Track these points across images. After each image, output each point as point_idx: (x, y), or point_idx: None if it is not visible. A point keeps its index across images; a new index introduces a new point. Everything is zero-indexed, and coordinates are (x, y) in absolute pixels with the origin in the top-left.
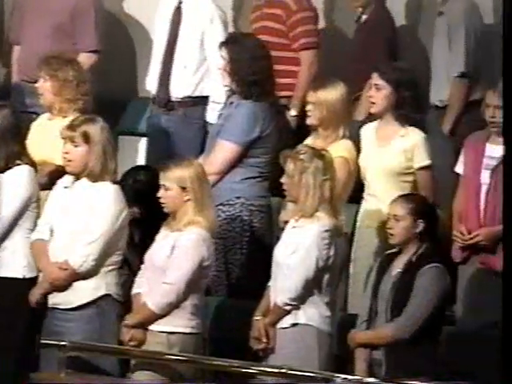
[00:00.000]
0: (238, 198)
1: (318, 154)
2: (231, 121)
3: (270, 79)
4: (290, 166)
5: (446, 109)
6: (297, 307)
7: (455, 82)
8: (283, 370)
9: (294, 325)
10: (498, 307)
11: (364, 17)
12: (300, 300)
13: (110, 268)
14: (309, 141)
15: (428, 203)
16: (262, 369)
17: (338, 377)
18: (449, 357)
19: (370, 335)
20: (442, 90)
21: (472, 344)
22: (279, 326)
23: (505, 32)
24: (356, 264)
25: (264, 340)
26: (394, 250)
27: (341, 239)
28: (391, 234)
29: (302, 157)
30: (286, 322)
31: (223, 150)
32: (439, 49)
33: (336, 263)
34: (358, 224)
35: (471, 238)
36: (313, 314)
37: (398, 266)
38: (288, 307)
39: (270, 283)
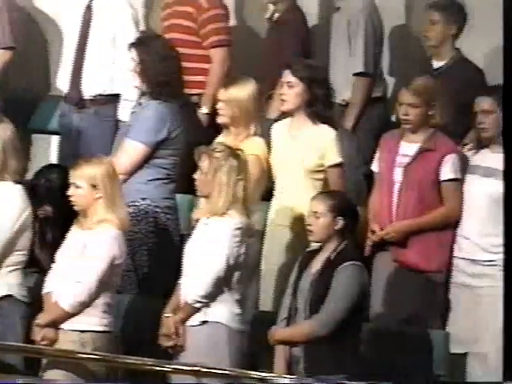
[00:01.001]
0: (144, 199)
1: (234, 153)
2: (139, 121)
3: (179, 80)
4: (204, 163)
5: (348, 106)
6: (207, 305)
7: (356, 80)
8: (197, 368)
9: (204, 322)
10: (412, 303)
11: (276, 15)
12: (210, 297)
13: (12, 268)
14: (220, 138)
15: (348, 200)
16: (176, 367)
17: (253, 375)
18: (366, 353)
19: (289, 332)
20: (343, 88)
21: (387, 340)
22: (189, 323)
23: (505, 31)
24: (267, 261)
25: (174, 337)
26: (314, 248)
27: (253, 237)
28: (310, 231)
29: (217, 155)
30: (196, 319)
31: (130, 150)
32: (338, 45)
33: (247, 261)
34: (268, 221)
35: (383, 234)
36: (223, 311)
37: (317, 264)
38: (198, 304)
39: (180, 281)
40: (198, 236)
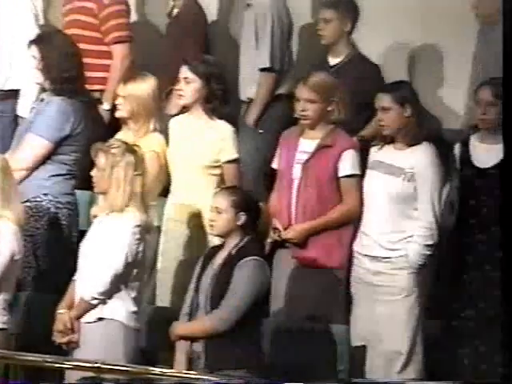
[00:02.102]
0: (46, 194)
1: (130, 148)
2: (42, 117)
3: (80, 76)
4: (101, 160)
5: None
6: (103, 301)
7: (261, 76)
8: (97, 365)
9: (100, 319)
10: (313, 299)
11: (175, 10)
12: (107, 294)
13: None
14: (120, 134)
15: (250, 196)
16: (76, 363)
17: (154, 371)
18: (268, 349)
19: (190, 327)
20: (251, 84)
21: (289, 336)
22: (85, 320)
23: (505, 31)
24: (164, 257)
25: (68, 333)
26: (217, 244)
27: (151, 234)
28: (212, 226)
29: (113, 151)
30: (92, 316)
31: (33, 146)
32: (246, 42)
33: (144, 258)
34: (165, 217)
35: (283, 234)
36: (119, 308)
37: (219, 259)
38: (95, 301)
39: (75, 277)
40: (95, 233)
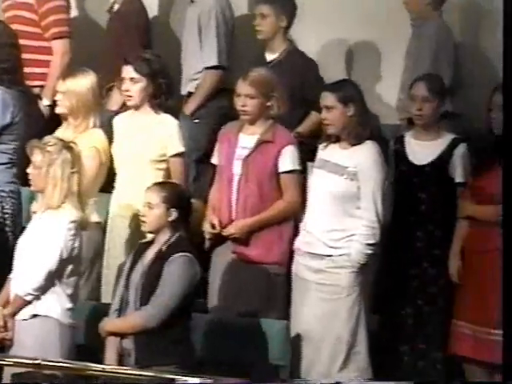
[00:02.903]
0: None
1: (67, 146)
2: None
3: (19, 67)
4: (37, 157)
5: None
6: (38, 298)
7: (207, 73)
8: (37, 361)
9: (34, 316)
10: (251, 294)
11: (116, 6)
12: (41, 291)
13: None
14: (60, 130)
15: (182, 192)
16: (16, 360)
17: (94, 367)
18: (205, 345)
19: (120, 324)
20: (193, 80)
21: (226, 331)
22: (19, 317)
23: (505, 31)
24: (109, 254)
25: (2, 331)
26: (147, 239)
27: (91, 230)
28: (144, 222)
29: (49, 148)
30: (26, 313)
31: None
32: (189, 39)
33: (80, 255)
34: (110, 214)
35: (224, 233)
36: (53, 305)
37: (149, 255)
38: (29, 297)
39: (11, 275)
40: (32, 229)
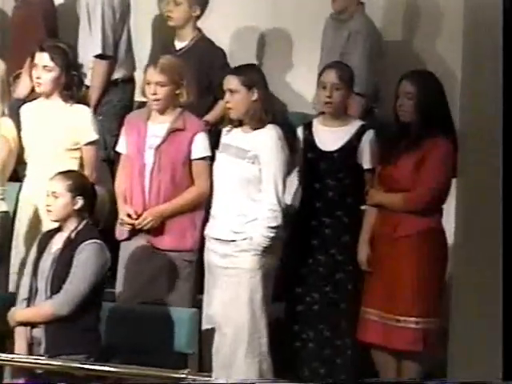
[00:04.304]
0: None
1: None
2: None
3: None
4: None
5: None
6: None
7: (95, 63)
8: None
9: None
10: (161, 281)
11: None
12: None
13: None
14: None
15: (86, 180)
16: None
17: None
18: (110, 334)
19: (29, 313)
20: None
21: (133, 320)
22: None
23: (505, 30)
24: (18, 242)
25: None
26: (53, 228)
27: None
28: (49, 211)
29: None
30: None
31: None
32: (82, 27)
33: None
34: (20, 202)
35: (139, 220)
36: None
37: (57, 244)
38: None
39: None
40: None
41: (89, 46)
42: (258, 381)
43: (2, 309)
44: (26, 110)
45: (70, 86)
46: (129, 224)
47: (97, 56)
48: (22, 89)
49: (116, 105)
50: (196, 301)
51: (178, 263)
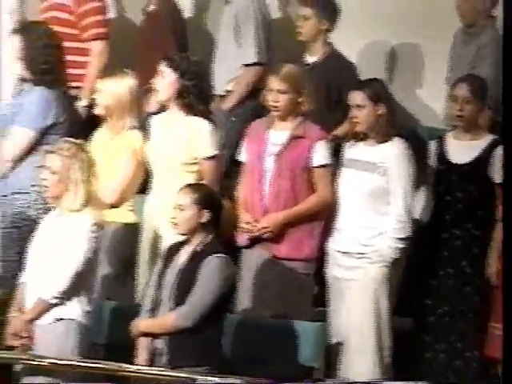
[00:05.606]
0: (34, 186)
1: (81, 148)
2: (25, 107)
3: (62, 68)
4: (54, 163)
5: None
6: (62, 301)
7: (244, 70)
8: (70, 362)
9: (58, 319)
10: (283, 294)
11: (151, 7)
12: (67, 294)
13: None
14: (98, 131)
15: (213, 193)
16: (51, 361)
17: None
18: (234, 346)
19: (153, 324)
20: (228, 80)
21: (256, 332)
22: (42, 321)
23: (505, 30)
24: (144, 254)
25: (24, 336)
26: (179, 240)
27: (127, 231)
28: (175, 224)
29: (66, 153)
30: (50, 316)
31: (17, 136)
32: (225, 38)
33: (96, 258)
34: (145, 214)
35: (257, 227)
36: (76, 307)
37: (183, 256)
38: (54, 301)
39: (23, 279)
40: (48, 233)
41: (235, 57)
42: None
43: (127, 319)
44: (153, 122)
45: (186, 95)
46: (248, 231)
47: (248, 64)
48: (152, 102)
49: (250, 110)
50: (315, 314)
51: (296, 275)
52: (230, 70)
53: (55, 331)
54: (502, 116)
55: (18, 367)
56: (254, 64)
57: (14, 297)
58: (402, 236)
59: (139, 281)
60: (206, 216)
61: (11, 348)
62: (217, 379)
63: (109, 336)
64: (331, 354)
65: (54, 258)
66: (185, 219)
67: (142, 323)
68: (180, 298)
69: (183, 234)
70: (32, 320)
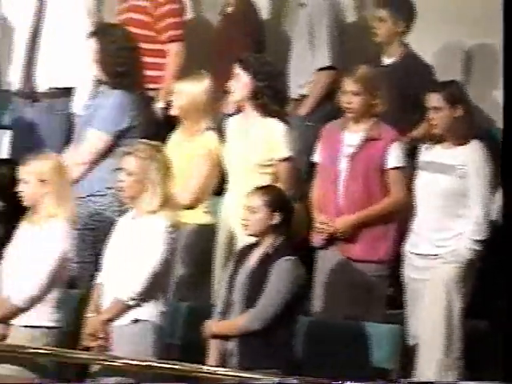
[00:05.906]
0: (109, 188)
1: (157, 149)
2: (100, 110)
3: (138, 70)
4: (130, 164)
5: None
6: (139, 302)
7: (319, 74)
8: (147, 363)
9: (135, 321)
10: (357, 296)
11: (229, 8)
12: (144, 294)
13: None
14: (175, 132)
15: (284, 195)
16: (126, 361)
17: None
18: (307, 348)
19: (224, 326)
20: (303, 83)
21: (330, 335)
22: (118, 322)
23: (505, 29)
24: (219, 256)
25: (101, 337)
26: (250, 242)
27: (203, 232)
28: (246, 225)
29: (142, 154)
30: (127, 318)
31: (92, 139)
32: (299, 41)
33: (173, 259)
34: (222, 216)
35: (330, 226)
36: (152, 308)
37: (254, 258)
38: (132, 302)
39: (100, 280)
40: (124, 235)
41: (309, 60)
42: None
43: (200, 320)
44: (229, 124)
45: (260, 96)
46: (322, 232)
47: (322, 68)
48: (229, 104)
49: (326, 114)
50: (387, 316)
51: (369, 277)
52: (304, 74)
53: (131, 332)
54: (503, 117)
55: (94, 368)
56: (328, 68)
57: (90, 297)
58: (480, 238)
59: (214, 282)
60: (276, 218)
61: (87, 349)
62: (292, 380)
63: (183, 337)
64: (407, 355)
65: (131, 258)
66: (255, 221)
67: (213, 325)
68: (250, 300)
69: (253, 236)
70: (109, 321)
